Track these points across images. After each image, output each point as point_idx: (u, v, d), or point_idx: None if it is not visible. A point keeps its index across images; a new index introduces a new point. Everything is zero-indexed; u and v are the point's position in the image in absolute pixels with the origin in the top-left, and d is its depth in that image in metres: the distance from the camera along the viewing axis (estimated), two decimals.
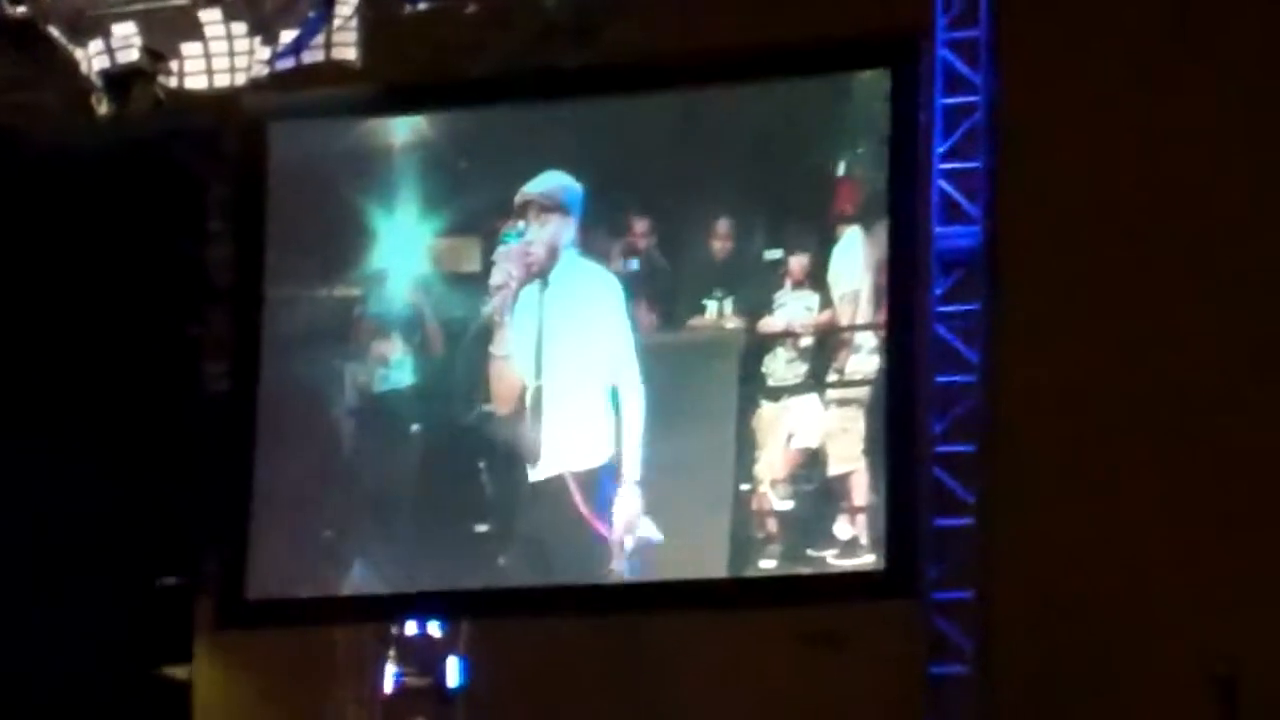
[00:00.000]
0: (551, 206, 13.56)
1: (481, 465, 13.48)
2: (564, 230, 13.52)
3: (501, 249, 13.57)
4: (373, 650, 13.96)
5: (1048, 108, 12.75)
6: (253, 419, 13.97)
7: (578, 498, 13.22)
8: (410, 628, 13.86)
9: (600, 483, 13.21)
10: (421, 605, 13.75)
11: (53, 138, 13.51)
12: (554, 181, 13.57)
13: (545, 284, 13.54)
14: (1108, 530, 12.25)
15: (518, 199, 13.58)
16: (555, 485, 13.29)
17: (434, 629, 13.85)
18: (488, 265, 13.61)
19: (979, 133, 12.80)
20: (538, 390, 13.44)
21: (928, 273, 12.75)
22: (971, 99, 12.85)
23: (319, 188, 14.10)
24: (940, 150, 12.85)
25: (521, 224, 13.55)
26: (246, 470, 13.88)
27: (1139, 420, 12.36)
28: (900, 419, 12.69)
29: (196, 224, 14.20)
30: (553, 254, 13.55)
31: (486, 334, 13.57)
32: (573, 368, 13.43)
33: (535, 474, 13.37)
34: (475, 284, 13.65)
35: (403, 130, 14.01)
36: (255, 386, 14.01)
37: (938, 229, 12.81)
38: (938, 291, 12.79)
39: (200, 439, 13.95)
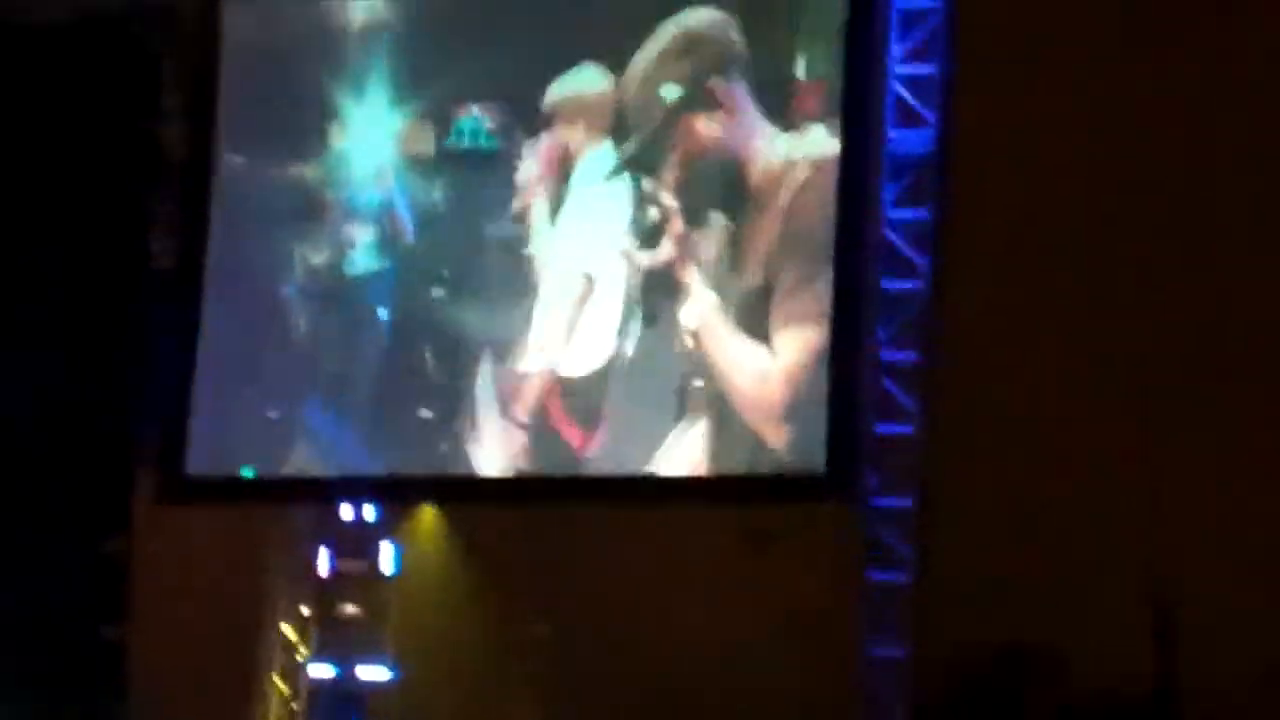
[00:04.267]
0: (580, 108, 12.45)
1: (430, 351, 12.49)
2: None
3: (529, 144, 12.51)
4: (309, 532, 13.21)
5: (1007, 15, 11.87)
6: (199, 295, 13.05)
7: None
8: (346, 511, 13.05)
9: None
10: (359, 489, 12.87)
11: (10, 9, 12.86)
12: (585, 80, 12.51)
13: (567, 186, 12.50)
14: (1051, 443, 11.44)
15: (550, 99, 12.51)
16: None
17: (369, 513, 13.07)
18: (446, 149, 12.60)
19: (937, 37, 11.83)
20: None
21: (878, 175, 11.75)
22: (930, 4, 11.86)
23: (275, 67, 13.13)
24: (897, 54, 11.88)
25: (475, 109, 12.43)
26: (190, 346, 12.98)
27: (1085, 333, 11.62)
28: (845, 324, 11.68)
29: (151, 99, 13.35)
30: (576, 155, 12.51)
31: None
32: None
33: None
34: (435, 166, 12.64)
35: (360, 11, 12.98)
36: (202, 262, 13.07)
37: (891, 132, 11.86)
38: (889, 196, 11.83)
39: (146, 313, 13.15)
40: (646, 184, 12.23)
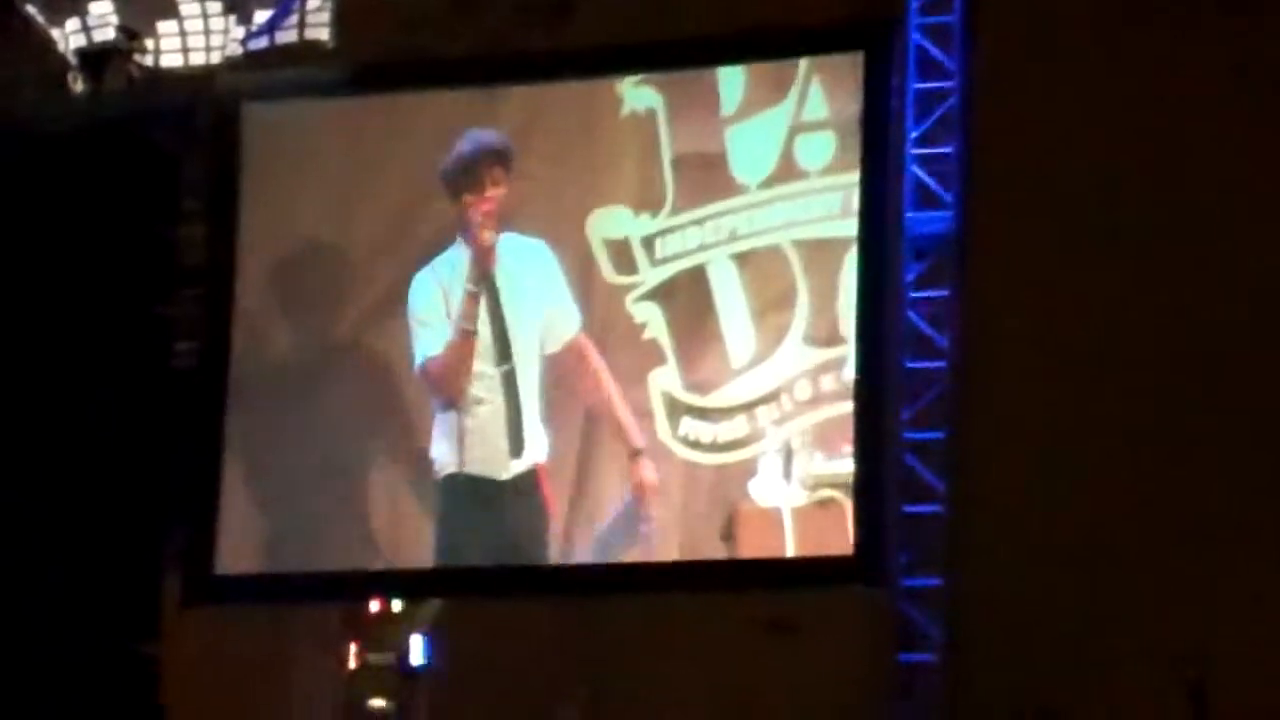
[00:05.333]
0: (503, 157, 12.34)
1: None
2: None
3: (481, 207, 12.36)
4: (337, 627, 13.06)
5: (1020, 94, 11.83)
6: (222, 397, 12.92)
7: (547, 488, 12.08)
8: (374, 605, 12.94)
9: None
10: (385, 584, 12.69)
11: (28, 115, 12.73)
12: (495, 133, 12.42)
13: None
14: (1079, 521, 11.32)
15: (474, 150, 12.35)
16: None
17: (396, 606, 12.94)
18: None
19: (952, 118, 11.87)
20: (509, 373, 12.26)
21: (899, 259, 11.70)
22: (945, 84, 11.91)
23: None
24: (914, 135, 11.90)
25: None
26: (215, 447, 12.84)
27: (1112, 411, 11.47)
28: (870, 406, 11.56)
29: (169, 203, 13.19)
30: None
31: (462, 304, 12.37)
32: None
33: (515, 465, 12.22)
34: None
35: None
36: (226, 364, 12.94)
37: (909, 214, 11.84)
38: (909, 277, 11.85)
39: (169, 417, 12.97)
40: None
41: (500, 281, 12.35)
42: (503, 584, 12.28)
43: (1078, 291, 11.58)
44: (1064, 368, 11.51)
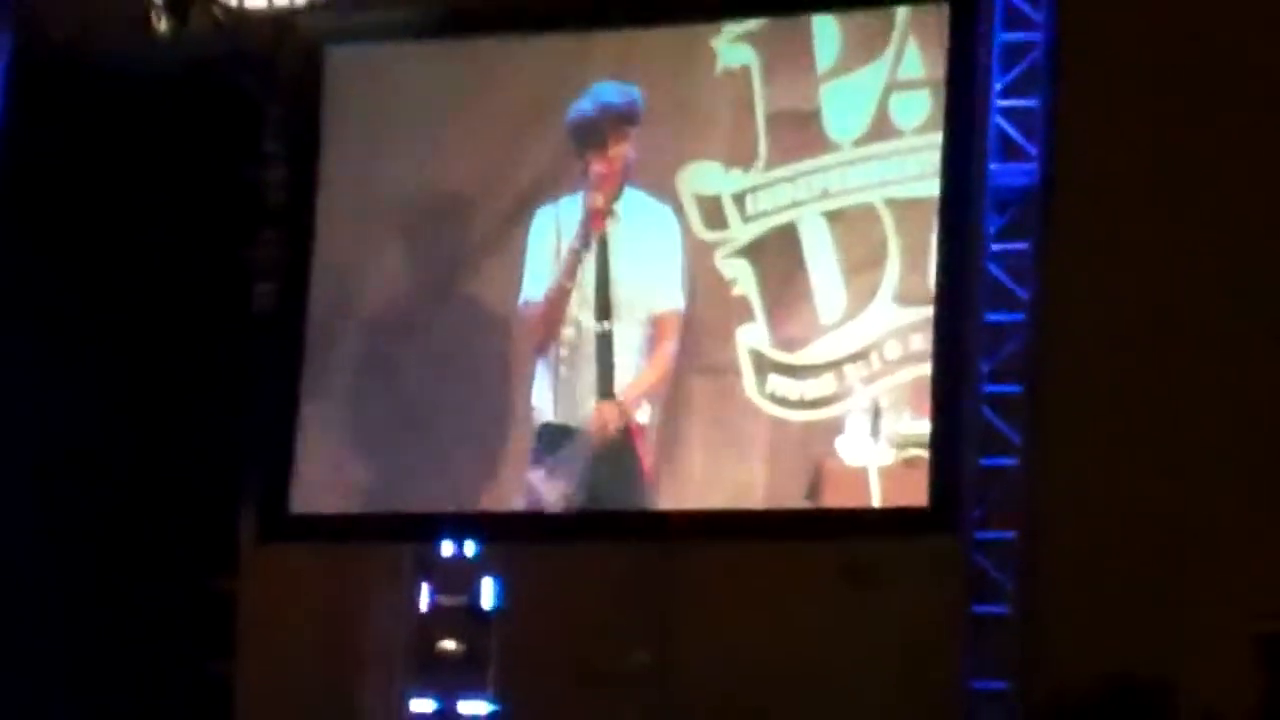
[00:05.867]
0: (629, 118, 12.25)
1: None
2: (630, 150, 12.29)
3: (596, 167, 12.30)
4: (410, 567, 13.02)
5: (1107, 47, 11.60)
6: (301, 338, 12.93)
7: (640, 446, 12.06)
8: (446, 548, 12.89)
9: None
10: (457, 526, 12.69)
11: (109, 55, 12.68)
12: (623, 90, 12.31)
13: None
14: (1157, 476, 11.16)
15: (598, 108, 12.31)
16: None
17: (469, 549, 12.88)
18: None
19: (1038, 70, 11.69)
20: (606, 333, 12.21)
21: (981, 209, 11.58)
22: (1031, 36, 11.71)
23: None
24: (998, 87, 11.74)
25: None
26: (293, 387, 12.87)
27: (1193, 364, 11.27)
28: (949, 359, 11.50)
29: (251, 146, 13.19)
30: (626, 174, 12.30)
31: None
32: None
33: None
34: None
35: None
36: (304, 307, 12.95)
37: (993, 166, 11.70)
38: (991, 230, 11.70)
39: (248, 356, 13.01)
40: None
41: (613, 239, 12.28)
42: (579, 528, 12.26)
43: (1160, 249, 11.41)
44: (1145, 325, 11.34)
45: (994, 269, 11.60)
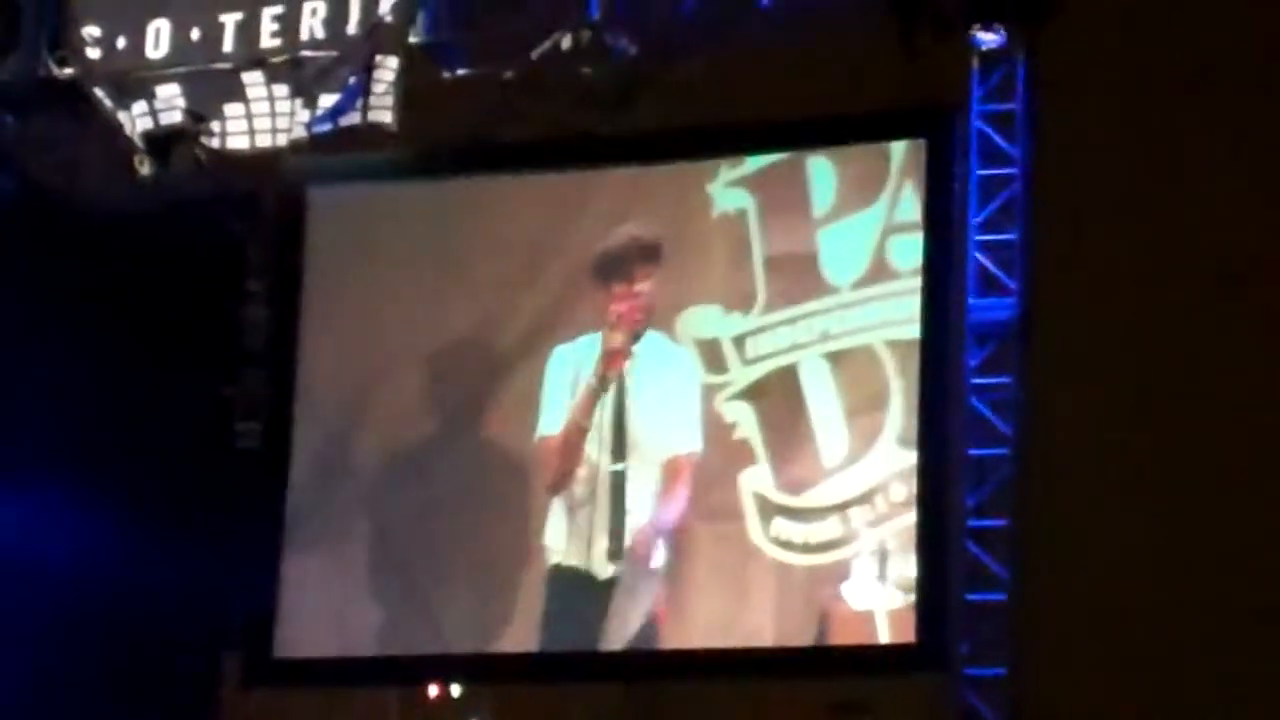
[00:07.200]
0: (653, 255, 12.18)
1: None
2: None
3: (616, 306, 12.21)
4: (396, 710, 12.77)
5: (1084, 180, 11.56)
6: (284, 478, 12.83)
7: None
8: (433, 689, 12.65)
9: None
10: (443, 667, 12.49)
11: (94, 197, 12.65)
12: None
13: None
14: (1146, 615, 10.96)
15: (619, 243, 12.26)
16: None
17: (455, 690, 12.63)
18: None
19: (1015, 204, 11.63)
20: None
21: (962, 346, 11.51)
22: (1008, 171, 11.67)
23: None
24: (976, 221, 11.68)
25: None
26: (277, 529, 12.74)
27: (1178, 495, 11.10)
28: (933, 494, 11.39)
29: (234, 285, 13.18)
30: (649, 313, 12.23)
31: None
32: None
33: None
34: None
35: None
36: (288, 446, 12.87)
37: (972, 300, 11.61)
38: (972, 363, 11.60)
39: (231, 498, 12.86)
40: None
41: (631, 380, 12.18)
42: (566, 669, 12.10)
43: (1142, 378, 11.31)
44: (1127, 456, 11.22)
45: (976, 403, 11.50)
